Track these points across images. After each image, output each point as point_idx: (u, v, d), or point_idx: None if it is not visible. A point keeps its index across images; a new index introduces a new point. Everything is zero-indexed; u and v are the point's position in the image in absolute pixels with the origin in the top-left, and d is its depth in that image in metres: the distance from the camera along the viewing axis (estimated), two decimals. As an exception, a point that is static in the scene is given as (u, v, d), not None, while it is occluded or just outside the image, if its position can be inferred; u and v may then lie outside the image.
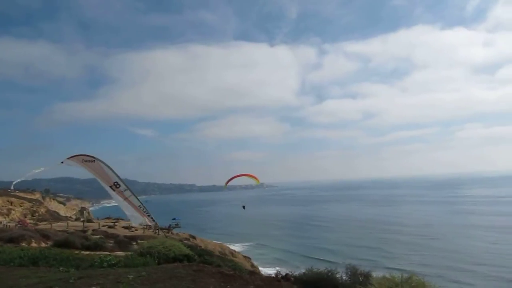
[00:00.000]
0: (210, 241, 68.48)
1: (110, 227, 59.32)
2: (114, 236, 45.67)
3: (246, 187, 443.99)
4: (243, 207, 34.13)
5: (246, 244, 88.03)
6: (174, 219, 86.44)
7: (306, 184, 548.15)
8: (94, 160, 14.53)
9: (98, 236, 40.80)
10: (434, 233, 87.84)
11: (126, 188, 14.94)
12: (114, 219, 77.15)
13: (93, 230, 52.03)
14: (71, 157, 14.33)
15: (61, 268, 11.87)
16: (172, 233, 64.40)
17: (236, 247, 75.86)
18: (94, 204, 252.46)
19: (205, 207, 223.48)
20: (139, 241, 46.30)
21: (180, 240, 32.19)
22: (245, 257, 62.13)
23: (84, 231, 49.66)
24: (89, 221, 70.91)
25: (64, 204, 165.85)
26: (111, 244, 30.29)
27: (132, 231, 58.01)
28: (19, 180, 15.45)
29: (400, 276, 7.75)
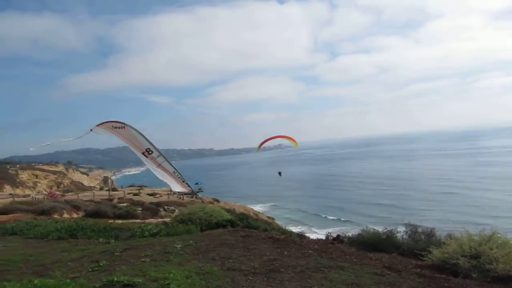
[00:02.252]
0: (233, 203, 68.73)
1: (135, 194, 59.68)
2: (140, 204, 45.83)
3: (263, 149, 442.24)
4: (279, 173, 32.45)
5: (262, 205, 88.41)
6: (196, 183, 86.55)
7: (323, 143, 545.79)
8: (124, 126, 13.84)
9: (125, 204, 40.89)
10: (452, 187, 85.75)
11: (159, 154, 14.31)
12: (137, 186, 77.90)
13: (118, 198, 52.30)
14: (100, 124, 13.68)
15: (100, 240, 11.45)
16: (196, 197, 64.94)
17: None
18: (116, 173, 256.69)
19: (223, 170, 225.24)
20: (166, 206, 46.57)
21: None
22: (268, 217, 62.31)
23: (111, 200, 50.00)
24: (114, 189, 71.67)
25: (87, 175, 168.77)
26: (140, 212, 30.19)
27: (157, 197, 58.40)
28: (47, 144, 14.97)
29: (479, 233, 6.95)
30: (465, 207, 64.80)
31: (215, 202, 60.86)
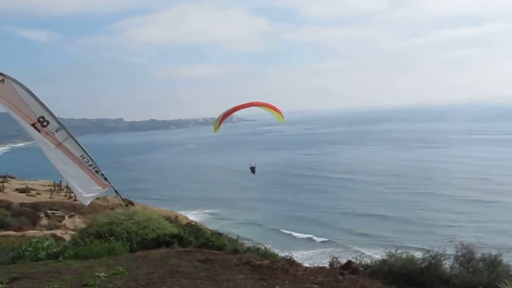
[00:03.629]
0: (156, 208, 68.65)
1: (-6, 191, 58.40)
2: (5, 205, 44.98)
3: (204, 123, 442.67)
4: (252, 169, 28.23)
5: (196, 212, 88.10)
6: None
7: (299, 116, 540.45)
8: (3, 80, 13.38)
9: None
10: (490, 191, 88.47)
11: (58, 126, 14.00)
12: (-2, 177, 75.70)
13: (-35, 198, 51.09)
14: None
15: (-38, 265, 11.20)
16: (97, 197, 64.27)
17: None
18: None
19: (139, 155, 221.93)
20: (49, 211, 46.02)
21: (112, 208, 31.91)
22: (212, 233, 62.64)
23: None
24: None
25: None
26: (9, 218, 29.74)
27: (32, 195, 57.42)
28: None
29: None
30: (509, 224, 66.56)
31: (129, 206, 60.54)
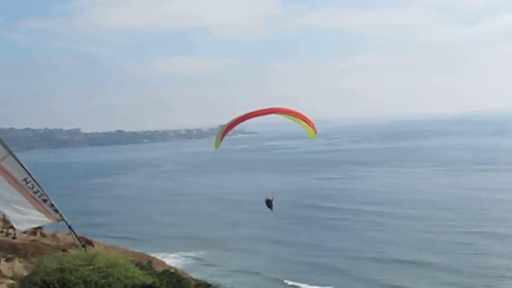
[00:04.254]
0: (123, 249, 68.91)
1: None
2: None
3: (188, 135, 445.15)
4: (268, 203, 26.29)
5: (175, 255, 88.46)
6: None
7: (319, 127, 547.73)
8: None
9: None
10: None
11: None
12: None
13: None
14: None
15: None
16: (41, 233, 63.93)
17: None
18: None
19: (101, 178, 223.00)
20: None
21: (64, 250, 32.14)
22: (197, 283, 62.70)
23: None
24: None
25: None
26: None
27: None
28: None
29: None
30: None
31: (86, 246, 60.49)
